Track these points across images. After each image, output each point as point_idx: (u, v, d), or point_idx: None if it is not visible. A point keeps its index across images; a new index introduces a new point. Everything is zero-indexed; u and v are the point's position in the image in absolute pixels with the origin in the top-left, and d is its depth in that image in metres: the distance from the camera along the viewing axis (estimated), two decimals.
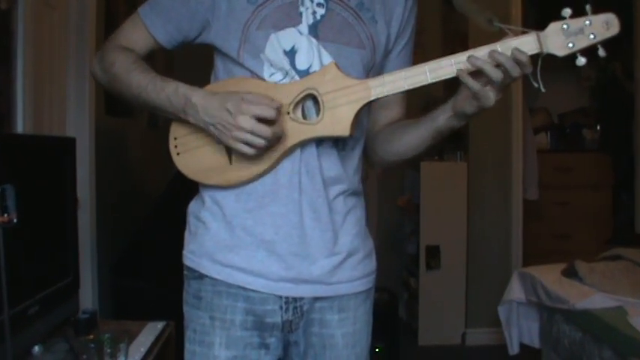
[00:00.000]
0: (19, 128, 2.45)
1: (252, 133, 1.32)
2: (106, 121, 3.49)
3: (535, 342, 3.58)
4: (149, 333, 2.47)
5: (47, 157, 2.20)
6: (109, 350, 2.16)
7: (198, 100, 1.38)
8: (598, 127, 5.92)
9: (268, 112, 1.33)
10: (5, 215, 1.62)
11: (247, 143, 1.34)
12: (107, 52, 1.54)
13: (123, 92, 1.51)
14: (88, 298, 3.11)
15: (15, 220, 1.65)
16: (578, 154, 5.70)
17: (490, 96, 1.30)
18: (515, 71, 1.28)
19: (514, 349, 3.62)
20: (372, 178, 5.16)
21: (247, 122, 1.31)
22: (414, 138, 1.52)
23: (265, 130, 1.32)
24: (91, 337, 2.26)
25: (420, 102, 1.62)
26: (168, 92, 1.42)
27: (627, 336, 2.58)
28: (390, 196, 5.34)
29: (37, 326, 2.02)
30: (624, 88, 5.36)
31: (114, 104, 3.62)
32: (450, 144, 4.65)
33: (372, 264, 1.59)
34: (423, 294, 4.67)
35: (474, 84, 1.29)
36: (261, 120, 1.33)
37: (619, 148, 5.48)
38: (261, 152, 1.38)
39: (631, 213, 4.96)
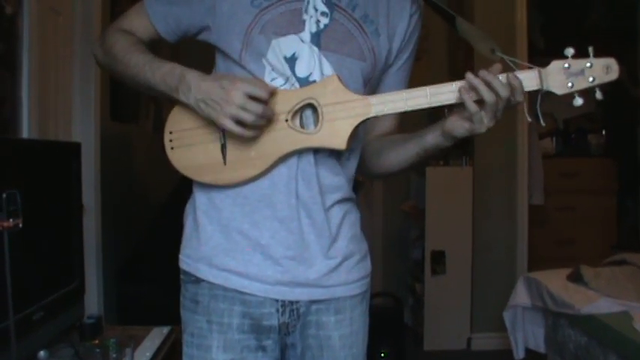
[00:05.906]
0: (25, 133, 2.45)
1: (242, 108, 1.32)
2: (111, 127, 3.50)
3: (540, 347, 3.57)
4: (154, 338, 2.47)
5: (52, 162, 2.21)
6: (114, 355, 2.17)
7: (192, 77, 1.39)
8: (603, 133, 5.92)
9: (261, 92, 1.34)
10: (11, 220, 1.63)
11: (237, 120, 1.34)
12: (109, 34, 1.56)
13: (122, 73, 1.52)
14: (93, 303, 3.11)
15: (20, 226, 1.66)
16: (583, 160, 5.70)
17: (484, 121, 1.33)
18: (505, 93, 1.31)
19: (519, 354, 3.62)
20: (377, 183, 5.16)
21: (239, 97, 1.32)
22: (400, 154, 1.55)
23: (256, 106, 1.33)
24: (97, 342, 2.27)
25: (422, 120, 1.63)
26: (164, 71, 1.43)
27: (632, 341, 2.57)
28: (395, 201, 5.33)
29: (42, 331, 2.02)
30: (629, 94, 5.36)
31: (119, 110, 3.63)
32: (455, 149, 4.64)
33: (367, 267, 1.60)
34: (428, 299, 4.66)
35: (471, 105, 1.31)
36: (253, 99, 1.33)
37: (624, 153, 5.48)
38: (251, 134, 1.37)
39: (636, 218, 4.95)
